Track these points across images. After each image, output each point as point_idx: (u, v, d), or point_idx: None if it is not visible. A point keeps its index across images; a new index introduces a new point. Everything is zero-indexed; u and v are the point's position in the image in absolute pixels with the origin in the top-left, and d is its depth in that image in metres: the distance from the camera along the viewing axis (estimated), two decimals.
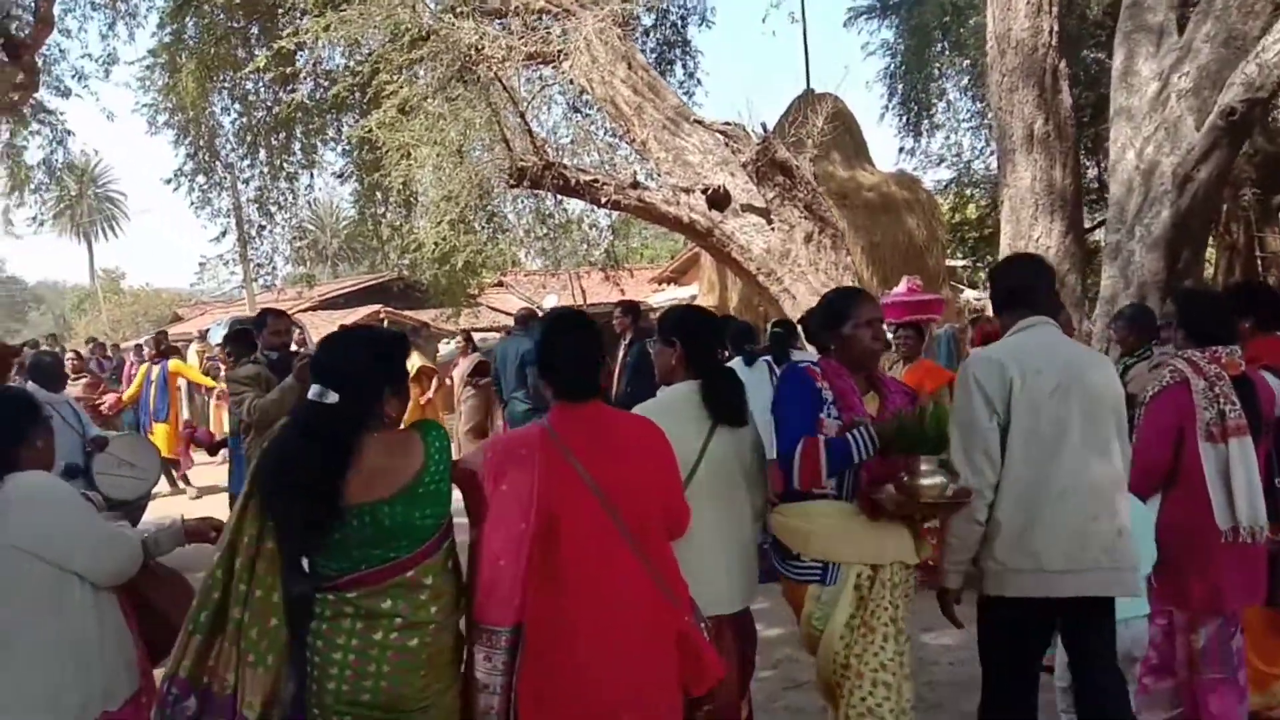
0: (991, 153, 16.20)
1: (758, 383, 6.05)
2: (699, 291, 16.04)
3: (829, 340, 3.04)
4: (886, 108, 18.45)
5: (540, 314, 24.14)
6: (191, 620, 2.27)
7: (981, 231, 18.01)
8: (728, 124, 9.94)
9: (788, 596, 3.15)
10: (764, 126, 9.87)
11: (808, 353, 7.03)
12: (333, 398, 2.25)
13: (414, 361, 10.90)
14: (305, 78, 13.70)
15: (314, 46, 10.29)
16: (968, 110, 16.55)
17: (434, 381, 11.19)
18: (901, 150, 18.40)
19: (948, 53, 15.01)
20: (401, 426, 2.48)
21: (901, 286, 7.23)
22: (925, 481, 2.70)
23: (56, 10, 12.09)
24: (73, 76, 12.99)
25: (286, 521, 2.19)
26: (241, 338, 5.93)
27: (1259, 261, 13.36)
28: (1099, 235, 15.45)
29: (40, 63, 12.21)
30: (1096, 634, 2.84)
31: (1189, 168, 8.06)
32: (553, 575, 2.31)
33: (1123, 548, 2.76)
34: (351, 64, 12.44)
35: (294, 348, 9.95)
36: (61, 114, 13.33)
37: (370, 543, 2.26)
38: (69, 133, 13.17)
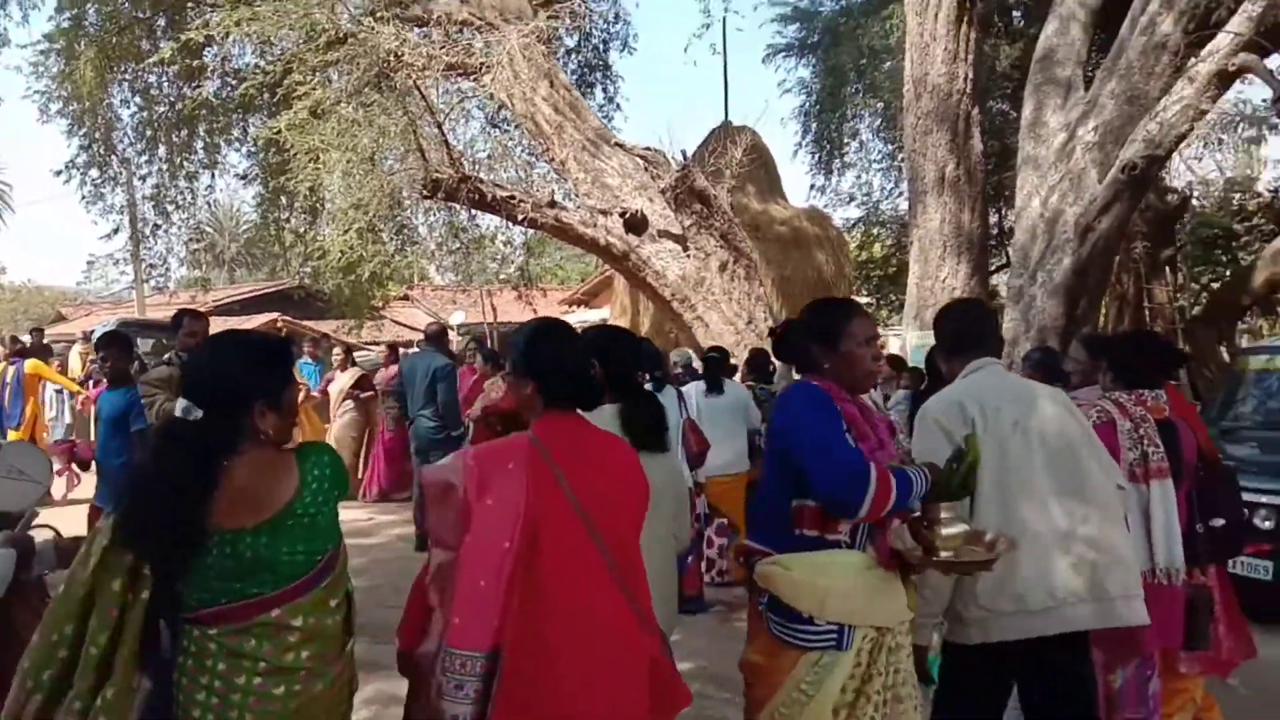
0: (900, 194, 16.65)
1: (667, 409, 5.98)
2: (611, 315, 15.98)
3: (821, 358, 2.63)
4: (800, 144, 18.77)
5: (452, 330, 23.57)
6: (31, 676, 1.97)
7: (886, 270, 18.43)
8: (648, 149, 9.93)
9: (751, 660, 2.70)
10: (684, 154, 9.89)
11: (736, 383, 7.01)
12: (198, 414, 2.02)
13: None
14: (212, 74, 13.21)
15: (223, 42, 9.88)
16: (879, 151, 16.98)
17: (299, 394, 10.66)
18: (812, 187, 18.72)
19: (862, 94, 15.37)
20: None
21: None
22: (948, 531, 2.45)
23: None
24: None
25: (147, 546, 1.94)
26: (116, 341, 5.54)
27: (1147, 312, 13.97)
28: (996, 279, 16.00)
29: None
30: (1067, 679, 2.72)
31: (1091, 218, 8.34)
32: (532, 597, 2.14)
33: (1102, 577, 2.67)
34: (263, 63, 12.05)
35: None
36: None
37: (230, 575, 2.01)
38: None
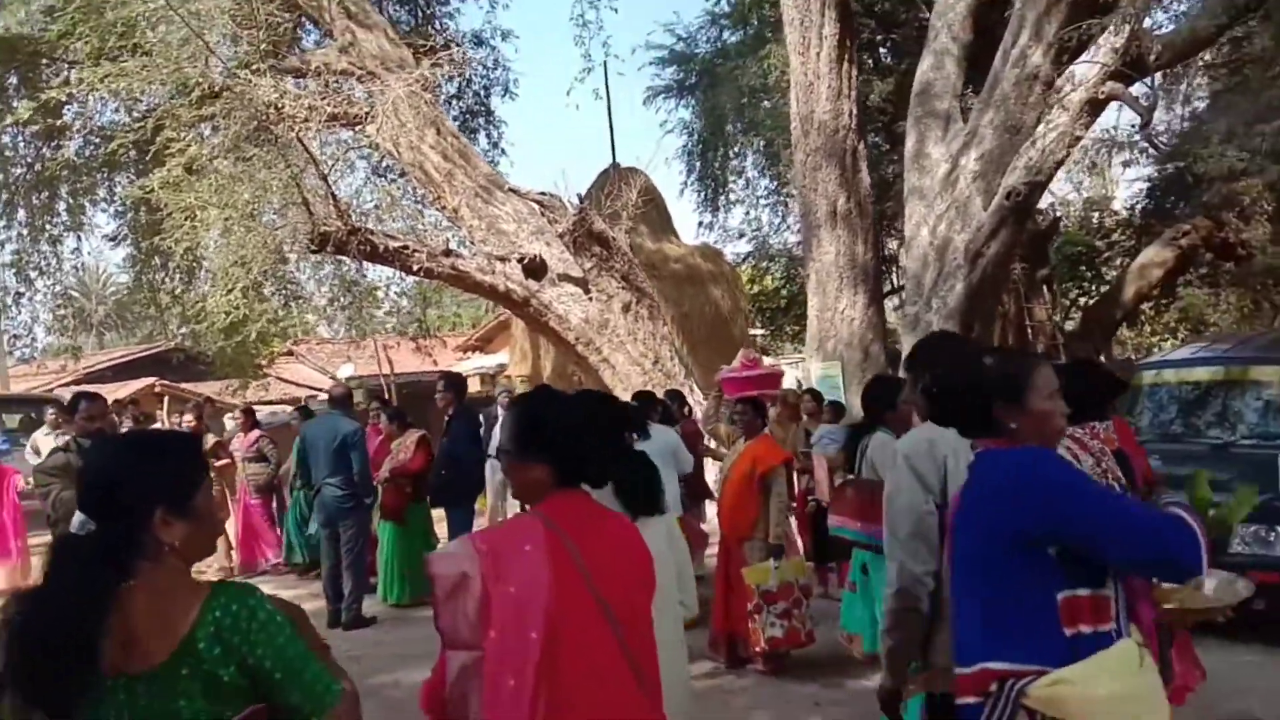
0: (787, 228, 16.98)
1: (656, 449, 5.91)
2: (510, 360, 15.73)
3: (1007, 418, 2.21)
4: (686, 183, 18.97)
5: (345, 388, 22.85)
6: None
7: (778, 302, 18.72)
8: (543, 194, 9.82)
9: None
10: (579, 197, 9.82)
11: (661, 426, 6.86)
12: (90, 528, 1.74)
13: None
14: (75, 133, 12.57)
15: (86, 99, 9.37)
16: (764, 188, 17.28)
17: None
18: (701, 224, 18.94)
19: (744, 132, 15.63)
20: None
21: (737, 361, 7.21)
22: (1213, 582, 2.20)
23: None
24: None
25: (40, 695, 1.61)
26: None
27: (1029, 330, 14.52)
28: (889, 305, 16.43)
29: None
30: None
31: (979, 244, 8.59)
32: (554, 694, 1.95)
33: None
34: (129, 120, 11.52)
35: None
36: None
37: None
38: None
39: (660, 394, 8.34)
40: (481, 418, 9.03)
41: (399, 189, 10.54)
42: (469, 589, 2.01)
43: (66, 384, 21.84)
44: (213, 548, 1.86)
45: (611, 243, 9.82)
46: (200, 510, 1.79)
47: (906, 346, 9.29)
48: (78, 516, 1.79)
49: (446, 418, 7.28)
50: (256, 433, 9.92)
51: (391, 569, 7.59)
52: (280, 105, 8.06)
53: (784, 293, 18.38)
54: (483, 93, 14.71)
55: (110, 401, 17.68)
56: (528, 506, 2.21)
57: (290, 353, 25.16)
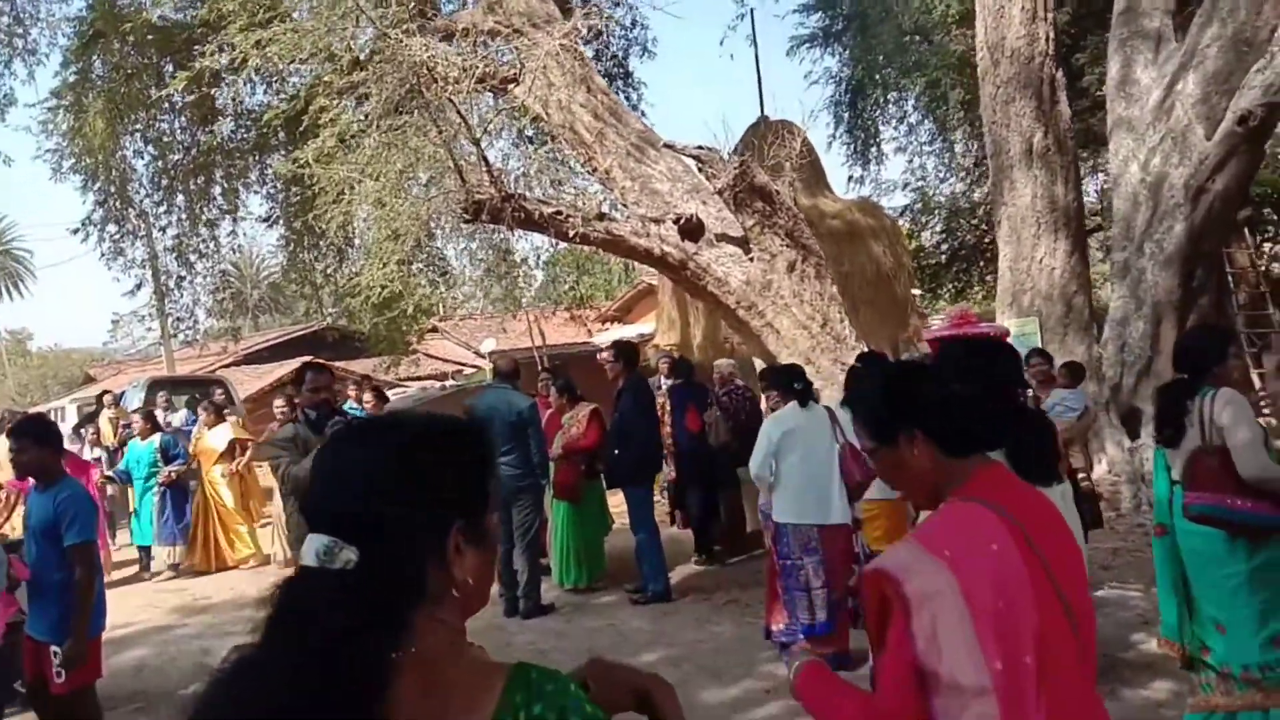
0: (953, 175, 15.84)
1: (816, 429, 5.25)
2: (658, 329, 15.23)
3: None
4: (834, 136, 18.04)
5: (484, 359, 22.84)
6: None
7: (938, 258, 17.61)
8: (700, 148, 9.18)
9: None
10: (739, 150, 9.17)
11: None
12: (347, 558, 1.06)
13: (225, 434, 9.86)
14: (225, 116, 12.70)
15: (236, 76, 9.27)
16: (927, 132, 16.16)
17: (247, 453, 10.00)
18: (850, 179, 17.94)
19: (907, 74, 14.57)
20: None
21: (942, 321, 6.42)
22: None
23: None
24: None
25: None
26: (30, 429, 4.51)
27: (1229, 277, 13.08)
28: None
29: None
30: None
31: (1202, 179, 7.54)
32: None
33: None
34: (278, 100, 11.50)
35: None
36: None
37: None
38: None
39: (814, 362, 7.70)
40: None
41: (548, 152, 10.08)
42: (942, 608, 1.52)
43: (227, 365, 22.65)
44: (484, 602, 1.20)
45: (775, 197, 9.10)
46: (491, 534, 1.20)
47: (1117, 298, 8.30)
48: (315, 541, 1.08)
49: (617, 390, 6.78)
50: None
51: (567, 551, 7.18)
52: (432, 66, 7.68)
53: (944, 248, 17.25)
54: (621, 54, 14.20)
55: (271, 382, 18.10)
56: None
57: (434, 329, 25.47)
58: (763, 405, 10.05)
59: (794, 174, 9.73)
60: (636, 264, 20.17)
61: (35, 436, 4.22)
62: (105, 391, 13.80)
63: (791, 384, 5.48)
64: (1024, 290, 8.49)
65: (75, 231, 12.73)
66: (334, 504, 1.12)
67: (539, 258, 10.46)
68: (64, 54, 12.91)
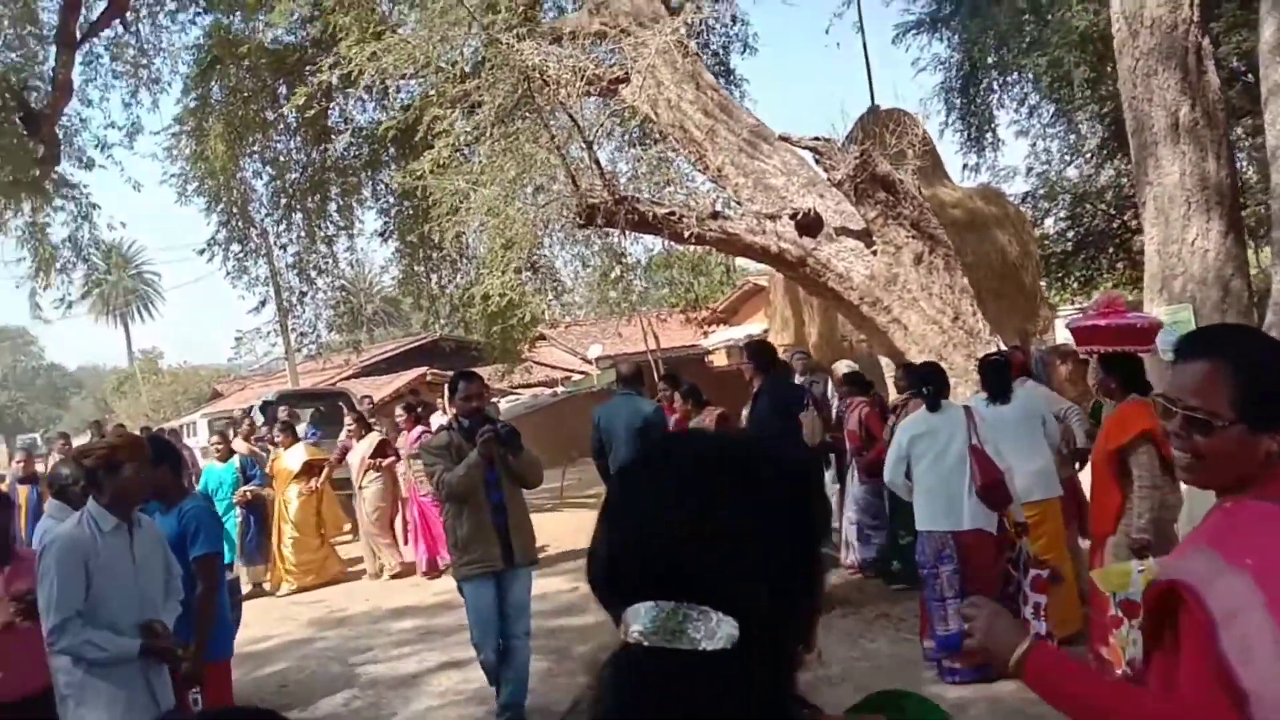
0: (1080, 158, 15.08)
1: (947, 431, 4.94)
2: (772, 329, 14.93)
3: None
4: (946, 123, 17.39)
5: (590, 365, 22.82)
6: None
7: (1063, 246, 16.79)
8: (817, 139, 8.88)
9: None
10: (857, 140, 8.83)
11: (1029, 388, 5.91)
12: (721, 637, 0.83)
13: (300, 455, 9.93)
14: (339, 134, 12.98)
15: (353, 89, 9.40)
16: (1049, 114, 15.40)
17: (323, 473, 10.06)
18: (965, 167, 17.25)
19: (1027, 53, 13.89)
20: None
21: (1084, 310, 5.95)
22: None
23: (76, 78, 11.36)
24: (95, 147, 12.23)
25: None
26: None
27: None
28: None
29: (60, 134, 11.45)
30: None
31: None
32: None
33: None
34: (387, 115, 11.67)
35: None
36: (85, 187, 12.57)
37: None
38: (94, 206, 12.39)
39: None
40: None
41: (658, 152, 9.91)
42: (1250, 626, 1.33)
43: (346, 377, 23.28)
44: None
45: (898, 186, 8.74)
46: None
47: (1277, 278, 7.65)
48: (639, 615, 0.85)
49: (753, 392, 6.54)
50: (420, 428, 9.78)
51: None
52: (544, 70, 7.60)
53: (1070, 235, 16.44)
54: (722, 51, 13.96)
55: (390, 393, 18.45)
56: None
57: (542, 336, 25.68)
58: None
59: (916, 161, 9.30)
60: (740, 265, 19.90)
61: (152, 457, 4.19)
62: (246, 411, 14.18)
63: (921, 387, 5.15)
64: (1174, 275, 7.90)
65: (201, 252, 13.18)
66: (672, 568, 0.85)
67: (650, 260, 10.27)
68: (185, 81, 13.41)
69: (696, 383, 7.78)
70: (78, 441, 14.42)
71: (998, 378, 5.16)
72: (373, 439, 9.90)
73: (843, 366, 9.05)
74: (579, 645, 6.15)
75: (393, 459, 9.85)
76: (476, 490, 4.91)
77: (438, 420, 13.88)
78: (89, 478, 3.55)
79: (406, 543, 9.89)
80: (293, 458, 9.84)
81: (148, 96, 13.08)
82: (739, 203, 9.46)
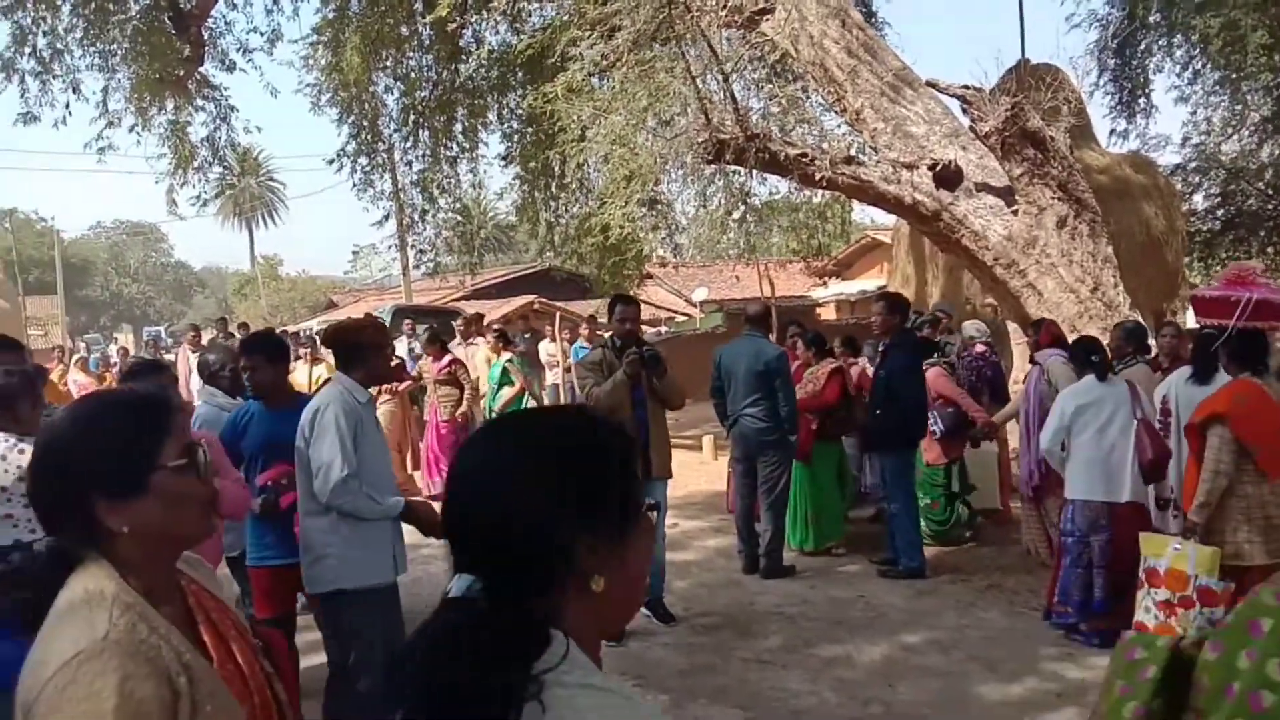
0: (1238, 131, 14.05)
1: (1114, 403, 4.76)
2: (892, 285, 14.46)
3: None
4: (1097, 85, 16.38)
5: (694, 308, 22.64)
6: None
7: (1211, 224, 15.77)
8: (966, 88, 8.42)
9: None
10: (1010, 91, 8.33)
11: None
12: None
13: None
14: (470, 55, 12.96)
15: (489, 6, 9.30)
16: (1213, 80, 14.32)
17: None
18: (1113, 132, 16.26)
19: (1198, 12, 12.90)
20: None
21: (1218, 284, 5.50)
22: None
23: None
24: (237, 50, 12.46)
25: None
26: (263, 345, 4.43)
27: None
28: None
29: (205, 35, 11.69)
30: None
31: None
32: None
33: None
34: (518, 38, 11.58)
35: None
36: (225, 89, 12.86)
37: None
38: (233, 109, 12.68)
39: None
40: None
41: (794, 91, 9.57)
42: None
43: (458, 299, 23.63)
44: None
45: (1048, 144, 8.25)
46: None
47: None
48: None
49: (883, 345, 6.30)
50: (449, 357, 9.72)
51: (798, 512, 6.82)
52: None
53: (1220, 213, 15.41)
54: None
55: (498, 317, 18.68)
56: None
57: (649, 275, 25.61)
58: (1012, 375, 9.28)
59: (1070, 120, 8.76)
60: (856, 217, 19.28)
61: (267, 354, 4.24)
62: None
63: (1089, 356, 4.99)
64: None
65: (331, 162, 13.38)
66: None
67: (775, 203, 9.95)
68: None
69: (821, 333, 7.55)
70: (207, 337, 15.01)
71: (1208, 358, 4.85)
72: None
73: (971, 328, 8.69)
74: (677, 581, 6.12)
75: (408, 383, 9.89)
76: (622, 406, 5.20)
77: (546, 348, 13.99)
78: (351, 352, 3.78)
79: (418, 468, 9.98)
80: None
81: (289, 4, 13.23)
82: (875, 149, 9.08)
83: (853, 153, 8.98)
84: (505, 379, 9.92)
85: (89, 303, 58.44)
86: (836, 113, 9.41)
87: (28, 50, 10.89)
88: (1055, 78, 11.40)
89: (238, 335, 13.76)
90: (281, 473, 3.86)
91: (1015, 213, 8.40)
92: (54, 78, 11.16)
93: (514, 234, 32.31)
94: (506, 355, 10.14)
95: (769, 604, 5.68)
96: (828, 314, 23.44)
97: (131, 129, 11.70)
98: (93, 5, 10.88)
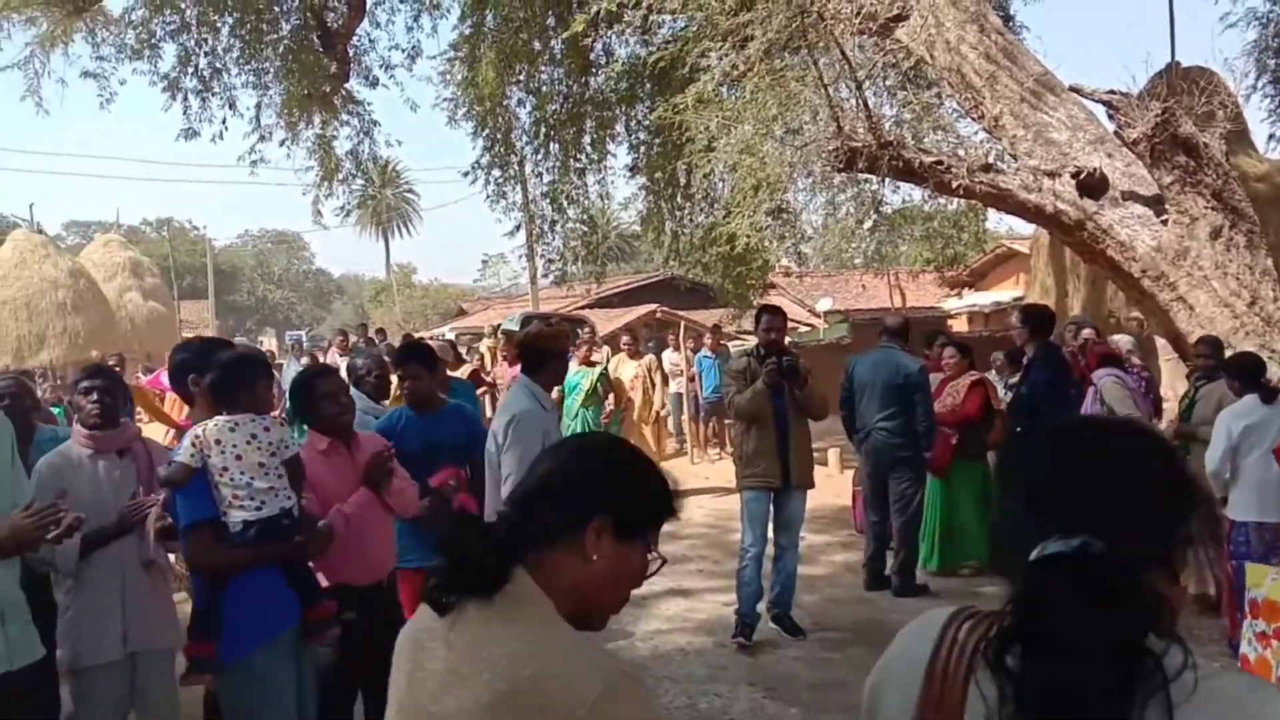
0: None
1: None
2: (1030, 297, 13.95)
3: None
4: (1254, 87, 15.45)
5: (818, 319, 22.35)
6: None
7: None
8: (1112, 93, 8.08)
9: None
10: (1160, 96, 7.95)
11: None
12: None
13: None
14: (599, 68, 13.19)
15: (619, 20, 9.43)
16: None
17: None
18: (1272, 138, 15.28)
19: None
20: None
21: None
22: None
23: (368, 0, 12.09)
24: (380, 67, 13.00)
25: None
26: (419, 355, 4.67)
27: None
28: None
29: (350, 53, 12.25)
30: None
31: None
32: None
33: None
34: (646, 50, 11.71)
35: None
36: (369, 104, 13.43)
37: None
38: (375, 123, 13.24)
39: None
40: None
41: (929, 97, 9.37)
42: None
43: (582, 307, 24.00)
44: None
45: (1201, 151, 7.83)
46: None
47: None
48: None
49: (1025, 359, 6.11)
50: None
51: (931, 530, 6.66)
52: (823, 3, 7.30)
53: None
54: None
55: (621, 325, 18.90)
56: None
57: (772, 284, 25.43)
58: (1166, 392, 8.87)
59: (1226, 125, 8.30)
60: (991, 227, 18.71)
61: (427, 365, 4.47)
62: (495, 328, 14.98)
63: (1256, 375, 4.77)
64: None
65: (465, 174, 13.82)
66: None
67: (908, 212, 9.76)
68: (462, 8, 13.97)
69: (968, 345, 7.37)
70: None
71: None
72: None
73: (1123, 341, 8.32)
74: (804, 595, 6.06)
75: (484, 389, 10.07)
76: (763, 413, 5.32)
77: (670, 356, 14.06)
78: (537, 358, 4.12)
79: None
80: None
81: (428, 21, 13.73)
82: (1014, 156, 8.80)
83: (991, 160, 8.74)
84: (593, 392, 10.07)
85: (236, 307, 61.86)
86: (974, 119, 9.17)
87: (190, 70, 11.64)
88: (1209, 81, 10.80)
89: (377, 341, 14.35)
90: (450, 474, 4.04)
91: (1165, 222, 8.01)
92: (212, 95, 11.90)
93: (637, 243, 32.62)
94: (598, 368, 10.31)
95: (901, 622, 5.48)
96: (959, 325, 22.75)
97: (282, 143, 12.37)
98: (248, 26, 11.56)
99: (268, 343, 38.19)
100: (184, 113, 11.77)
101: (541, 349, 4.11)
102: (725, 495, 9.36)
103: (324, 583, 3.41)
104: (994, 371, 7.90)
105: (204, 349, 3.67)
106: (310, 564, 3.36)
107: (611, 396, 10.12)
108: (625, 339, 10.97)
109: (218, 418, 3.14)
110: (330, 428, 3.60)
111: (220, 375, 3.20)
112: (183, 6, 11.23)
